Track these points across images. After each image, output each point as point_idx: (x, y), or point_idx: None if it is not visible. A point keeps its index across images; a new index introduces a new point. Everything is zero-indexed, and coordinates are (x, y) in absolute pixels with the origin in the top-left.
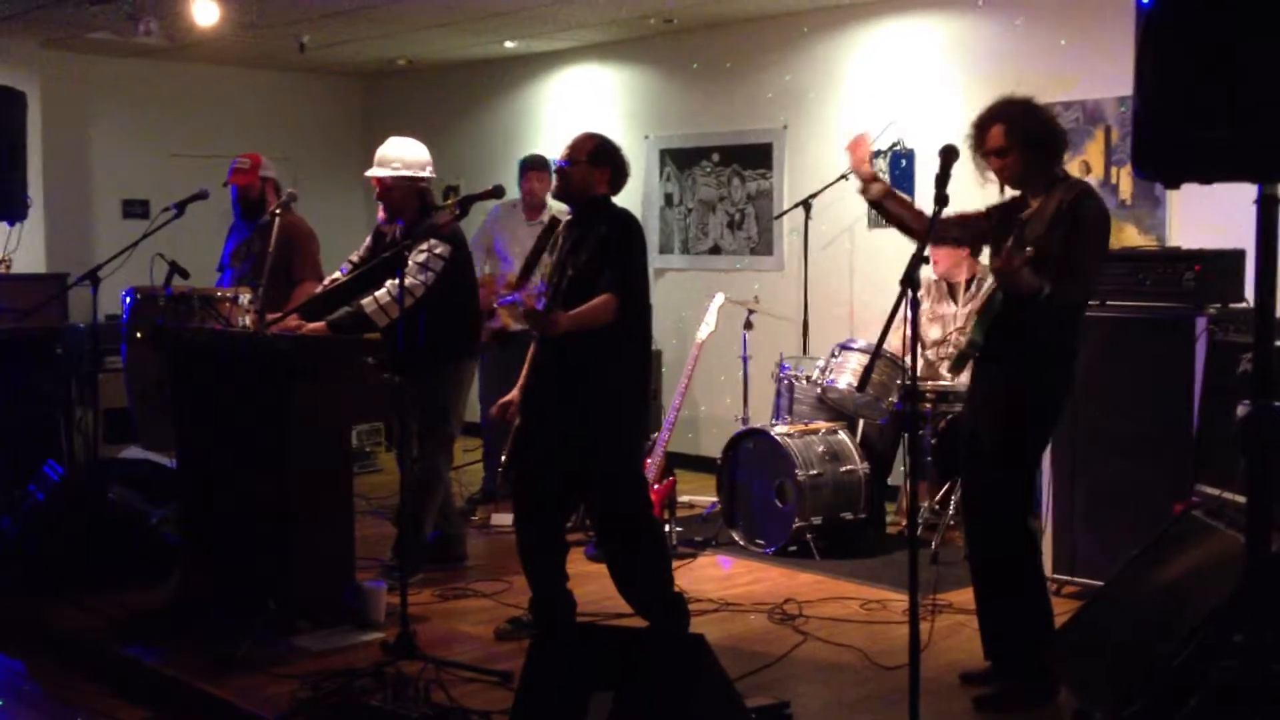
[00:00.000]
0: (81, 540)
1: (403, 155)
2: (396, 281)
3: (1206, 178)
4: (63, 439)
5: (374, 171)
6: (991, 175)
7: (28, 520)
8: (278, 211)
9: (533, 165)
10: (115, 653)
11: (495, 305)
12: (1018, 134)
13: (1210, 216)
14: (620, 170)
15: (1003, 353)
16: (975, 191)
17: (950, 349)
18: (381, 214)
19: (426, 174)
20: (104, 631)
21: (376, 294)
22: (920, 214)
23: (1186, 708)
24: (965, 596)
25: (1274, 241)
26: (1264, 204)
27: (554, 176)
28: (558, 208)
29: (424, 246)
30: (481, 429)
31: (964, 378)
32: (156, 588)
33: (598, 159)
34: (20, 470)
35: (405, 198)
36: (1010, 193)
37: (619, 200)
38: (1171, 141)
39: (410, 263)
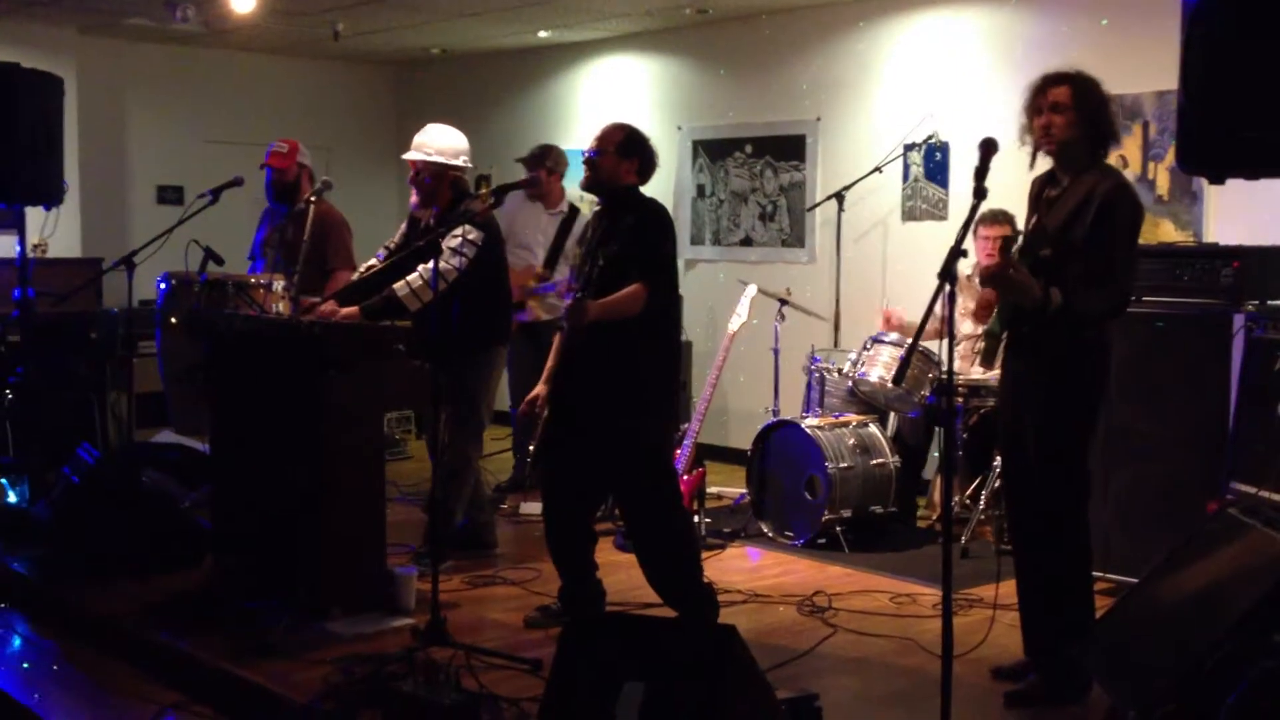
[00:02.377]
0: (114, 523)
1: (437, 141)
2: (429, 266)
3: (1252, 173)
4: (96, 423)
5: (408, 155)
6: (1029, 139)
7: (62, 503)
8: (312, 199)
9: (536, 158)
10: (147, 636)
11: (527, 297)
12: (1082, 101)
13: (1249, 213)
14: (649, 160)
15: (1028, 345)
16: (1011, 181)
17: (978, 345)
18: (414, 198)
19: (460, 162)
20: (136, 615)
21: (409, 278)
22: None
23: (1223, 706)
24: (997, 591)
25: None
26: None
27: (583, 167)
28: (586, 197)
29: (457, 232)
30: (511, 418)
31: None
32: (189, 572)
33: (626, 150)
34: (55, 453)
35: (435, 184)
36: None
37: (650, 189)
38: (1217, 137)
39: (444, 248)
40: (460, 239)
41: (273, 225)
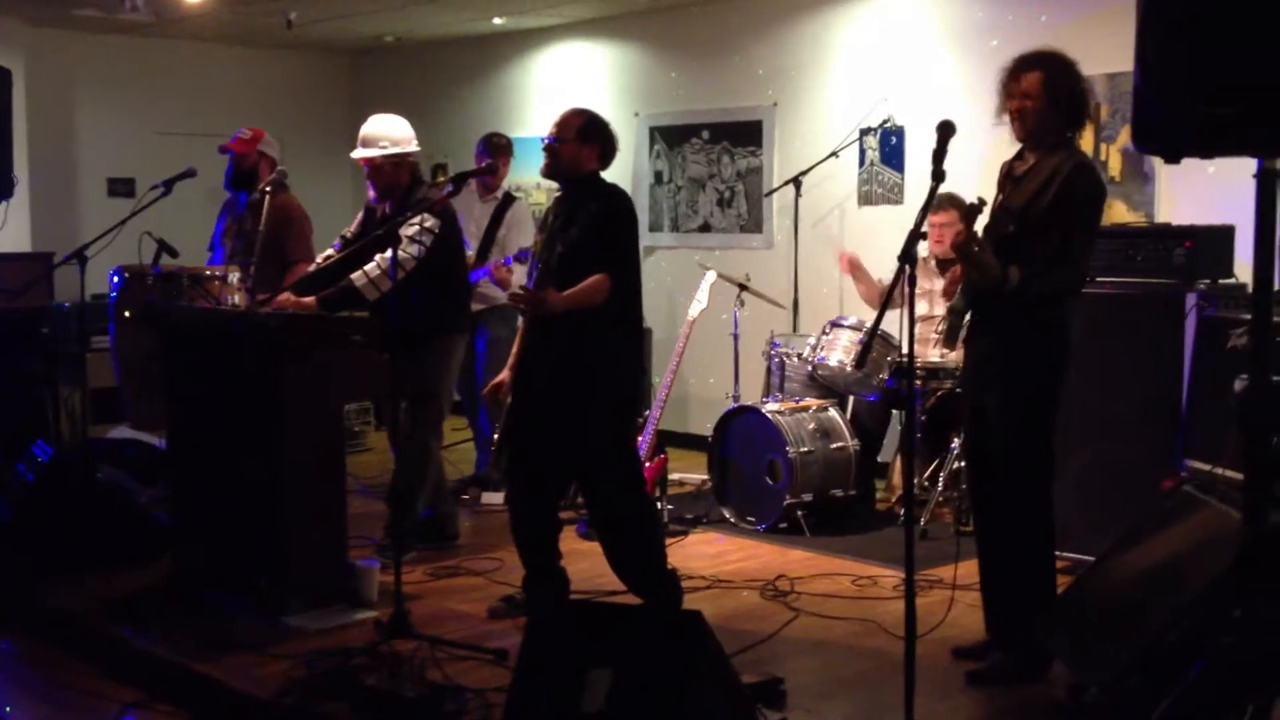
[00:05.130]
0: (71, 520)
1: (390, 133)
2: (386, 256)
3: (1208, 152)
4: (50, 419)
5: (361, 153)
6: (1005, 117)
7: (17, 500)
8: (267, 190)
9: (501, 150)
10: (107, 633)
11: None
12: (1052, 88)
13: (1199, 193)
14: (610, 145)
15: (991, 325)
16: (968, 164)
17: (940, 325)
18: (371, 192)
19: (413, 148)
20: (95, 612)
21: (367, 268)
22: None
23: (1183, 681)
24: (956, 571)
25: (1272, 216)
26: (1263, 178)
27: (543, 154)
28: (544, 184)
29: (414, 220)
30: (463, 408)
31: (956, 355)
32: (147, 568)
33: (587, 135)
34: (8, 450)
35: (395, 175)
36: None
37: (608, 176)
38: (1172, 116)
39: (401, 236)
40: (418, 227)
41: (233, 215)
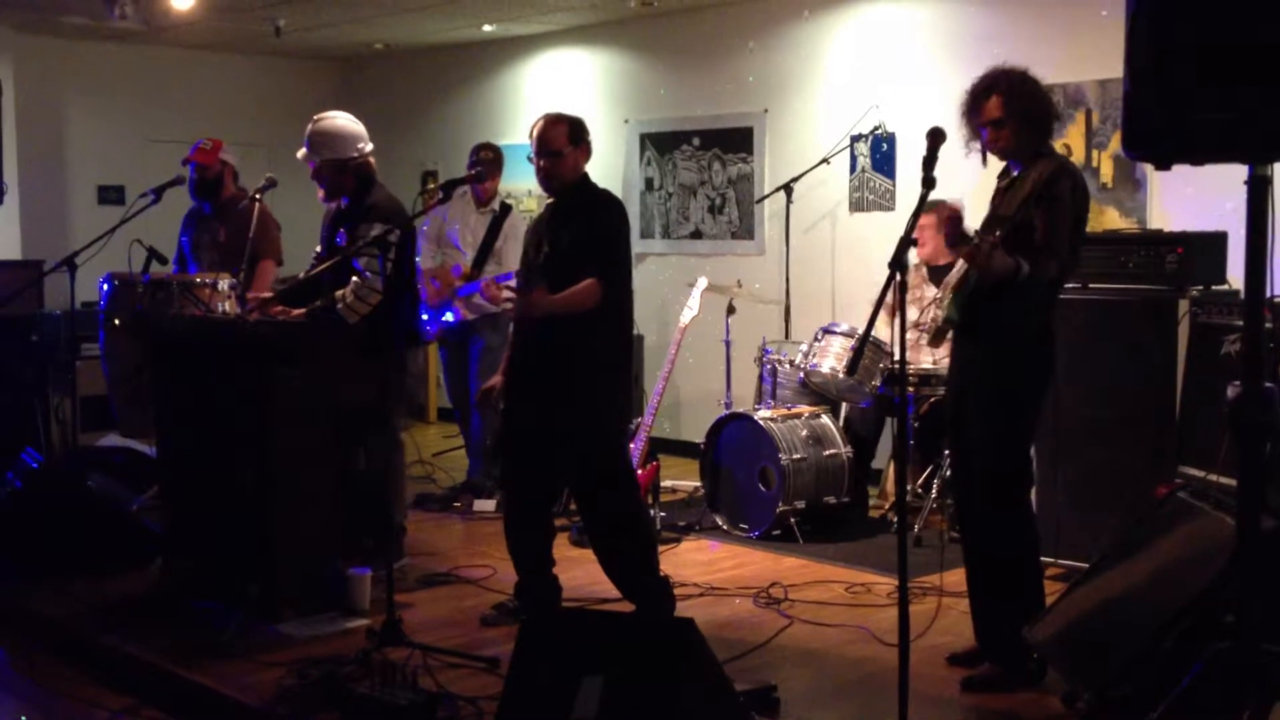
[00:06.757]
0: (61, 528)
1: (330, 136)
2: (366, 286)
3: (1198, 159)
4: (40, 426)
5: (304, 154)
6: (976, 145)
7: (7, 508)
8: (258, 197)
9: (489, 164)
10: (97, 640)
11: (453, 298)
12: (1014, 107)
13: (1191, 199)
14: (589, 139)
15: (978, 330)
16: (958, 171)
17: (930, 325)
18: (320, 192)
19: (356, 153)
20: (86, 619)
21: (345, 293)
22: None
23: (1178, 688)
24: (949, 579)
25: (1263, 222)
26: (1254, 184)
27: (537, 174)
28: (536, 192)
29: (389, 239)
30: (456, 416)
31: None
32: (138, 575)
33: (576, 139)
34: None
35: (336, 178)
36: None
37: (598, 183)
38: (1163, 122)
39: (374, 257)
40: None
41: (201, 227)
